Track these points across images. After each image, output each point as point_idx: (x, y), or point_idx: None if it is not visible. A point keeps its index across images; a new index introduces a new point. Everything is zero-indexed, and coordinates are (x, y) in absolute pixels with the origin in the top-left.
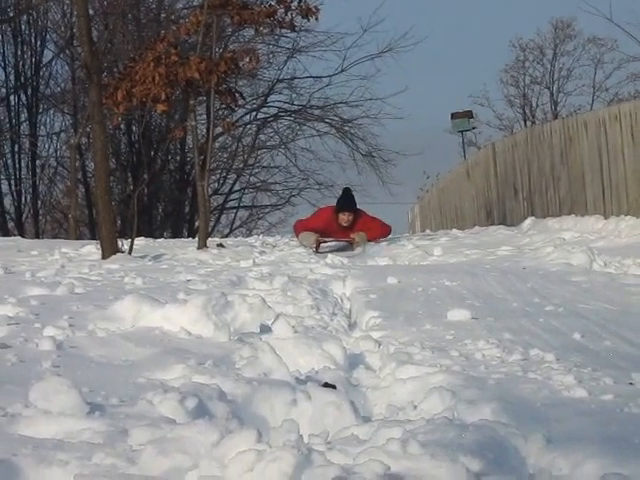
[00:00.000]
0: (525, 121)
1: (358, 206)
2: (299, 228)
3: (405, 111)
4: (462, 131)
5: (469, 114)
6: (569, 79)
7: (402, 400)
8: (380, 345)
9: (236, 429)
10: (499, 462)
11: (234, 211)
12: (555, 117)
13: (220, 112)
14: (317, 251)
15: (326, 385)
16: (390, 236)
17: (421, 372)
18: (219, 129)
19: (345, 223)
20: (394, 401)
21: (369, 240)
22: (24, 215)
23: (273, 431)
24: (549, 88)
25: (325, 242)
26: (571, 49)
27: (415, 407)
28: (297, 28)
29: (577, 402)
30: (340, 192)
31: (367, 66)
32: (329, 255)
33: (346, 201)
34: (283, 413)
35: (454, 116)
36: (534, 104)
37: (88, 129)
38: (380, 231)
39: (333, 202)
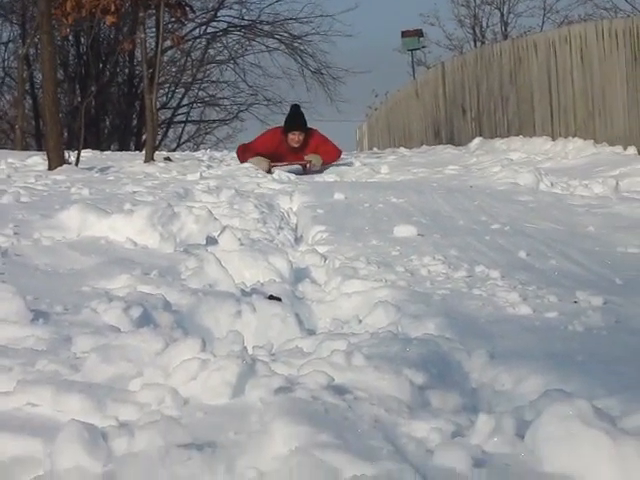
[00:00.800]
0: (475, 41)
1: (308, 124)
2: (244, 153)
3: (355, 29)
4: (412, 50)
5: (419, 33)
6: (520, 0)
7: (347, 314)
8: (326, 259)
9: (180, 338)
10: (442, 376)
11: (182, 125)
12: (505, 38)
13: (169, 25)
14: (269, 173)
15: (271, 297)
16: None
17: (366, 287)
18: (168, 42)
19: (296, 144)
20: (339, 315)
21: (324, 163)
22: None
23: (217, 341)
24: (500, 9)
25: (277, 167)
26: None
27: (360, 321)
28: None
29: (521, 319)
30: (288, 110)
31: None
32: (276, 170)
33: (295, 119)
34: (228, 324)
35: (404, 35)
36: (484, 24)
37: (36, 39)
38: (335, 154)
39: (281, 120)
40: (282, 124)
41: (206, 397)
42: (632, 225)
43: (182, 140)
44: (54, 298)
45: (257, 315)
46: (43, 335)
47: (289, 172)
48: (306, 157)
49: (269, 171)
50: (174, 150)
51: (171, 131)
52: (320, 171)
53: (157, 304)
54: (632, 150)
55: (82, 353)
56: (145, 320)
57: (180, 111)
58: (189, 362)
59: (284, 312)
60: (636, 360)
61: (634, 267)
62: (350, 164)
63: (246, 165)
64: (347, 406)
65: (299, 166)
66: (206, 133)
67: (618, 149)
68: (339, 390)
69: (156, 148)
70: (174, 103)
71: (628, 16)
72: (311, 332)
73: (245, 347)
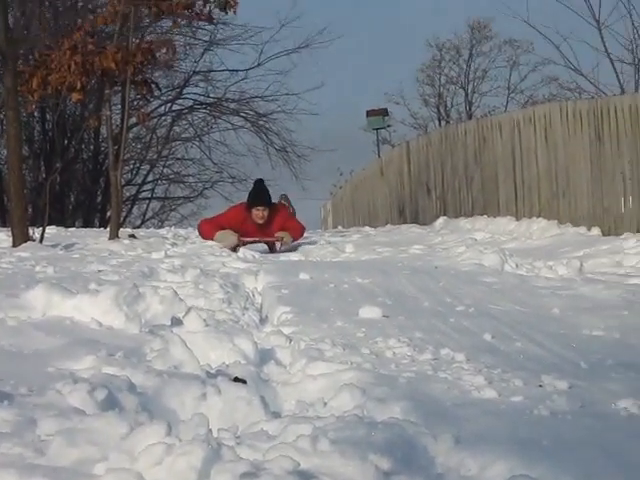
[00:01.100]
0: (440, 120)
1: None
2: (208, 228)
3: (320, 107)
4: (377, 129)
5: (384, 112)
6: (484, 80)
7: (312, 396)
8: (291, 341)
9: (146, 422)
10: (408, 461)
11: (146, 202)
12: (469, 117)
13: (135, 102)
14: (237, 251)
15: (236, 380)
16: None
17: (332, 369)
18: (134, 119)
19: (260, 220)
20: (304, 397)
21: (293, 241)
22: None
23: (183, 425)
24: (464, 88)
25: (247, 243)
26: (487, 50)
27: (325, 404)
28: (215, 21)
29: (487, 403)
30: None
31: (284, 61)
32: (241, 249)
33: (259, 195)
34: (193, 407)
35: (369, 113)
36: (449, 104)
37: (2, 115)
38: (301, 231)
39: (245, 197)
40: (245, 200)
41: None
42: (596, 307)
43: (147, 217)
44: (19, 379)
45: (222, 397)
46: (7, 417)
47: (255, 250)
48: (278, 234)
49: (237, 246)
50: (139, 227)
51: (136, 208)
52: (289, 249)
53: (122, 386)
54: (596, 231)
55: (47, 436)
56: (110, 402)
57: (145, 188)
58: (154, 446)
59: (249, 394)
60: (601, 445)
61: (599, 350)
62: (315, 243)
63: (210, 243)
64: None
65: (268, 242)
66: (171, 210)
67: (582, 230)
68: (305, 476)
69: (121, 225)
70: (139, 180)
71: (592, 97)
72: (276, 415)
73: (210, 430)
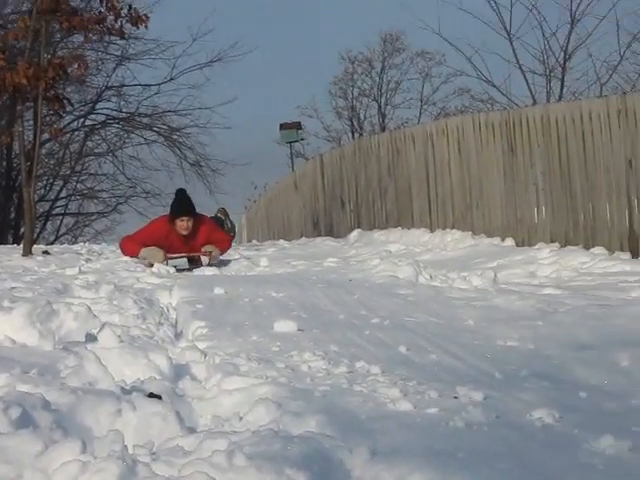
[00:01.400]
0: (353, 133)
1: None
2: (131, 246)
3: (234, 121)
4: (290, 142)
5: (297, 125)
6: (397, 92)
7: (228, 411)
8: (206, 356)
9: (60, 439)
10: (324, 475)
11: (60, 218)
12: (383, 129)
13: (48, 118)
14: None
15: (151, 395)
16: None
17: (247, 383)
18: (46, 135)
19: (184, 231)
20: (220, 412)
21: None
22: None
23: (97, 441)
24: (377, 101)
25: (173, 258)
26: (400, 62)
27: (241, 418)
28: (127, 35)
29: (402, 415)
30: (172, 198)
31: (196, 75)
32: (155, 264)
33: (182, 204)
34: (108, 423)
35: (283, 127)
36: (362, 116)
37: None
38: (228, 242)
39: (160, 211)
40: (167, 212)
41: None
42: (510, 318)
43: (60, 233)
44: None
45: (137, 413)
46: None
47: (180, 265)
48: (205, 248)
49: (163, 263)
50: (52, 243)
51: (49, 224)
52: (215, 264)
53: (36, 404)
54: (510, 242)
55: None
56: (24, 420)
57: (58, 203)
58: (69, 464)
59: (164, 410)
60: (516, 456)
61: (513, 361)
62: (229, 256)
63: (125, 258)
64: None
65: (194, 257)
66: (85, 226)
67: (496, 240)
68: None
69: (34, 241)
70: (52, 195)
71: (504, 108)
72: (192, 430)
73: (125, 446)
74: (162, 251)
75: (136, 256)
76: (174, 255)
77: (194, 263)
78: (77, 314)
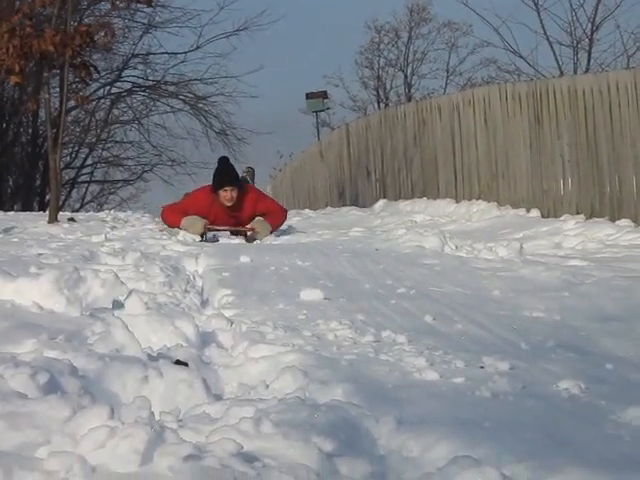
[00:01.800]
0: (379, 103)
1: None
2: (172, 214)
3: (260, 90)
4: (316, 111)
5: (324, 94)
6: (423, 62)
7: (254, 379)
8: (232, 323)
9: (88, 405)
10: (351, 443)
11: (85, 185)
12: (409, 100)
13: (74, 85)
14: (203, 239)
15: (178, 362)
16: None
17: (273, 351)
18: (72, 102)
19: (228, 202)
20: (246, 380)
21: (272, 230)
22: None
23: (125, 407)
24: (403, 71)
25: (215, 230)
26: (426, 32)
27: (267, 386)
28: (153, 3)
29: (428, 385)
30: (214, 167)
31: (223, 44)
32: (180, 232)
33: (225, 174)
34: (135, 389)
35: (309, 96)
36: (388, 86)
37: None
38: (281, 215)
39: (187, 180)
40: (211, 182)
41: (115, 465)
42: (536, 289)
43: (86, 200)
44: None
45: (164, 380)
46: None
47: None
48: (253, 223)
49: (204, 234)
50: (77, 210)
51: (75, 191)
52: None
53: (64, 370)
54: (535, 213)
55: None
56: (52, 386)
57: (84, 171)
58: (97, 430)
59: (191, 377)
60: (542, 426)
61: (539, 332)
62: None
63: (150, 227)
64: (256, 474)
65: (239, 232)
66: (110, 193)
67: (521, 212)
68: (248, 458)
69: (60, 208)
70: (78, 163)
71: (531, 79)
72: (218, 397)
73: (152, 413)
74: (203, 221)
75: (178, 226)
76: (217, 227)
77: (243, 238)
78: (104, 281)
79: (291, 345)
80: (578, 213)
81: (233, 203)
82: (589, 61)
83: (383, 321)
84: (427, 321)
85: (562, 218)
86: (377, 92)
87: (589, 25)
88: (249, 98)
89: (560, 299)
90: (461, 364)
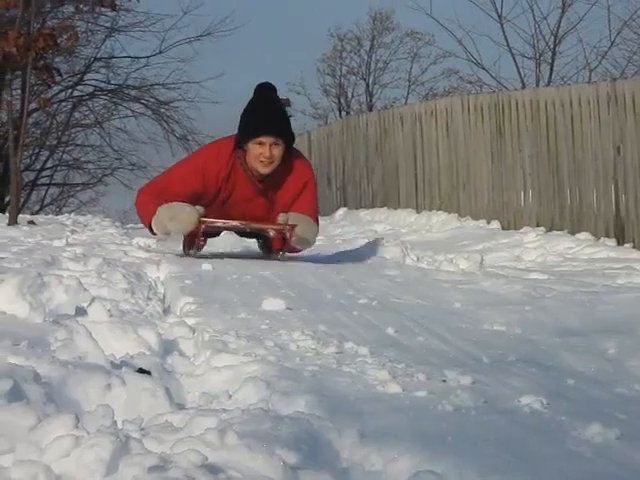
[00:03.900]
0: (340, 111)
1: None
2: (148, 202)
3: (222, 96)
4: None
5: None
6: (385, 71)
7: (217, 389)
8: (195, 332)
9: (53, 413)
10: (314, 455)
11: (45, 188)
12: (370, 108)
13: (36, 88)
14: (194, 249)
15: (141, 370)
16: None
17: (236, 361)
18: (34, 105)
19: (265, 167)
20: (208, 389)
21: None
22: None
23: (88, 416)
24: (365, 79)
25: (216, 228)
26: (389, 41)
27: (230, 396)
28: (117, 7)
29: (391, 398)
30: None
31: (185, 49)
32: (143, 239)
33: (268, 111)
34: (97, 397)
35: None
36: (350, 94)
37: None
38: (314, 218)
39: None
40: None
41: (79, 475)
42: (497, 302)
43: (45, 203)
44: None
45: (127, 388)
46: None
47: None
48: (282, 217)
49: (198, 236)
50: (37, 213)
51: (34, 193)
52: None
53: (27, 376)
54: (496, 224)
55: None
56: (16, 393)
57: (44, 173)
58: (63, 439)
59: (154, 386)
60: (504, 442)
61: (500, 345)
62: None
63: (110, 231)
64: None
65: (262, 231)
66: (69, 196)
67: (482, 223)
68: (213, 469)
69: (20, 210)
70: (38, 165)
71: (493, 91)
72: (181, 406)
73: (115, 422)
74: (194, 213)
75: (149, 223)
76: (217, 222)
77: (263, 242)
78: (67, 287)
79: (254, 355)
80: (538, 226)
81: (270, 172)
82: (551, 74)
83: (345, 332)
84: (389, 333)
85: (522, 230)
86: (338, 100)
87: (552, 38)
88: (211, 104)
89: (521, 313)
90: (423, 377)
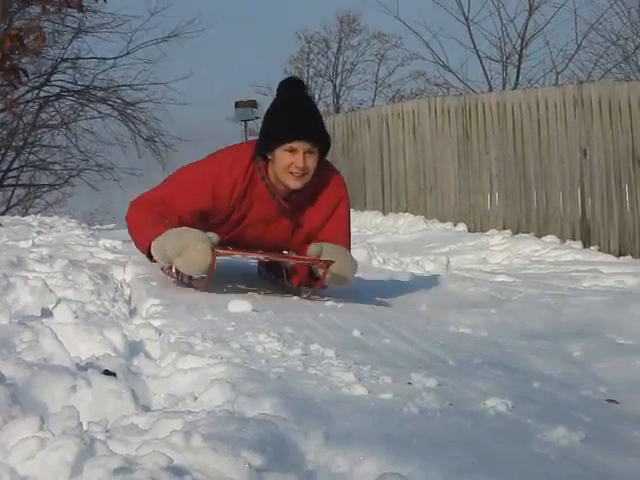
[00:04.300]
0: None
1: None
2: (143, 221)
3: (189, 97)
4: (245, 120)
5: (253, 104)
6: (352, 73)
7: (182, 391)
8: (161, 334)
9: (18, 415)
10: (279, 458)
11: (11, 189)
12: (337, 110)
13: (2, 89)
14: (200, 280)
15: (106, 372)
16: None
17: (202, 363)
18: (0, 105)
19: (296, 181)
20: (174, 391)
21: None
22: None
23: (53, 417)
24: (332, 81)
25: (233, 254)
26: (356, 44)
27: (196, 398)
28: (84, 8)
29: (357, 400)
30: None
31: (152, 50)
32: (109, 241)
33: (305, 112)
34: (63, 399)
35: (238, 105)
36: (317, 96)
37: None
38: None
39: (115, 186)
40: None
41: (44, 477)
42: (463, 304)
43: (11, 204)
44: None
45: (92, 390)
46: None
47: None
48: (313, 248)
49: (211, 271)
50: (3, 214)
51: (0, 194)
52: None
53: None
54: (462, 227)
55: None
56: None
57: (10, 174)
58: (27, 441)
59: (119, 387)
60: (470, 444)
61: (466, 348)
62: None
63: (77, 232)
64: None
65: (286, 264)
66: (36, 197)
67: (449, 225)
68: (178, 472)
69: None
70: (4, 166)
71: (460, 93)
72: (147, 408)
73: (80, 423)
74: (205, 241)
75: (147, 250)
76: (242, 255)
77: (279, 272)
78: (33, 288)
79: (220, 357)
80: (505, 228)
81: (302, 187)
82: (518, 77)
83: (311, 334)
84: (355, 335)
85: (488, 233)
86: None
87: (519, 41)
88: (178, 105)
89: (487, 315)
90: (389, 380)
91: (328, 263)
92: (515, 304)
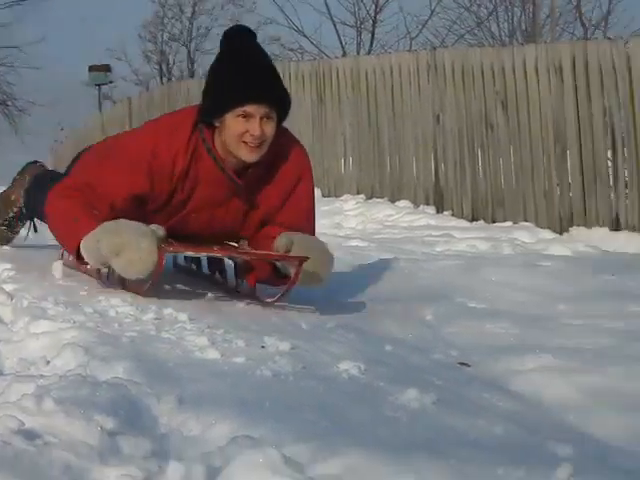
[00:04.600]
0: (162, 78)
1: None
2: (72, 206)
3: (42, 61)
4: (99, 84)
5: (106, 68)
6: (207, 38)
7: (35, 355)
8: (13, 298)
9: None
10: (132, 421)
11: None
12: (192, 75)
13: None
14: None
15: None
16: None
17: (54, 327)
18: None
19: (252, 154)
20: (26, 355)
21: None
22: None
23: None
24: (186, 46)
25: (182, 251)
26: (210, 8)
27: (48, 362)
28: None
29: (210, 363)
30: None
31: (5, 13)
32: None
33: (260, 68)
34: None
35: (91, 69)
36: (171, 61)
37: None
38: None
39: None
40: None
41: None
42: None
43: None
44: None
45: None
46: None
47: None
48: (280, 241)
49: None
50: None
51: None
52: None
53: None
54: (317, 192)
55: None
56: None
57: None
58: None
59: None
60: (323, 407)
61: (319, 311)
62: None
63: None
64: (37, 451)
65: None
66: None
67: None
68: (29, 435)
69: None
70: None
71: (314, 59)
72: None
73: None
74: (152, 241)
75: (75, 248)
76: (195, 251)
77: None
78: None
79: (72, 321)
80: (359, 193)
81: (258, 159)
82: (372, 42)
83: (164, 298)
84: (209, 298)
85: (343, 198)
86: (160, 67)
87: (373, 6)
88: (31, 69)
89: (341, 279)
90: (242, 343)
91: (301, 260)
92: (369, 269)
